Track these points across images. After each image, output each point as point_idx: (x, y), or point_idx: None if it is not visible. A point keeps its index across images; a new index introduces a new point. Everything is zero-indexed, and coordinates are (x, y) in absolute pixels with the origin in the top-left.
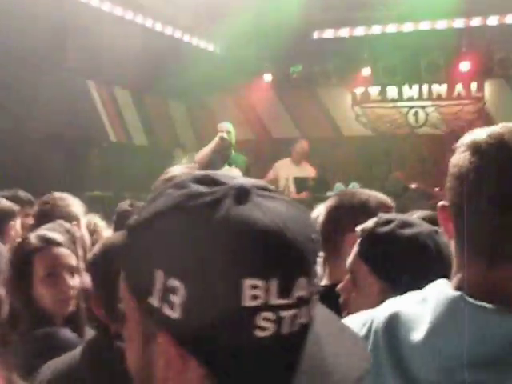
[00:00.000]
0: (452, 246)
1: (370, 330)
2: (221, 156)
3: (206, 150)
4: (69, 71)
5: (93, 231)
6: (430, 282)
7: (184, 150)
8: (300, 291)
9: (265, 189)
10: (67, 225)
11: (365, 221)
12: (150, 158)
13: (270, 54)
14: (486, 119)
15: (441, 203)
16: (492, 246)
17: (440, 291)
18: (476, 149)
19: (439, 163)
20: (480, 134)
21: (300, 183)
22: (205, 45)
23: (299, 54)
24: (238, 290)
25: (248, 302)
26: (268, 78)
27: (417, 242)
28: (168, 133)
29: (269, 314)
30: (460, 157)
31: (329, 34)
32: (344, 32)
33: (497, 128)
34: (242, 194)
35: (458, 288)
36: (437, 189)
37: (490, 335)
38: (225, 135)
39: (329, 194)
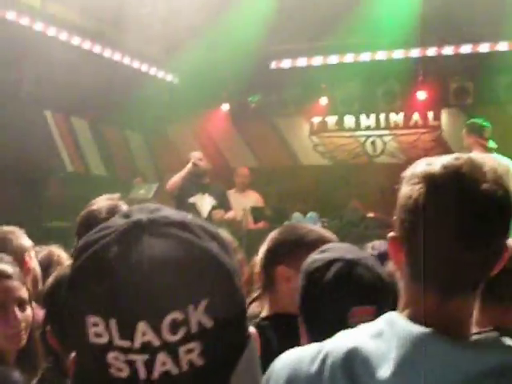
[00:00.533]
0: (401, 276)
1: (323, 365)
2: (195, 184)
3: (177, 177)
4: (25, 101)
5: (56, 262)
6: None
7: (143, 179)
8: (144, 336)
9: (175, 225)
10: (8, 258)
11: (299, 255)
12: (109, 188)
13: (227, 83)
14: (444, 148)
15: (390, 234)
16: (446, 278)
17: (398, 326)
18: (431, 181)
19: (397, 192)
20: (433, 164)
21: (257, 213)
22: (163, 75)
23: (257, 83)
24: (84, 327)
25: (93, 339)
26: (226, 107)
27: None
28: (127, 162)
29: (117, 354)
30: (414, 188)
31: (286, 63)
32: (301, 62)
33: (450, 159)
34: (125, 232)
35: (412, 320)
36: (395, 218)
37: (463, 370)
38: (198, 162)
39: (286, 223)
